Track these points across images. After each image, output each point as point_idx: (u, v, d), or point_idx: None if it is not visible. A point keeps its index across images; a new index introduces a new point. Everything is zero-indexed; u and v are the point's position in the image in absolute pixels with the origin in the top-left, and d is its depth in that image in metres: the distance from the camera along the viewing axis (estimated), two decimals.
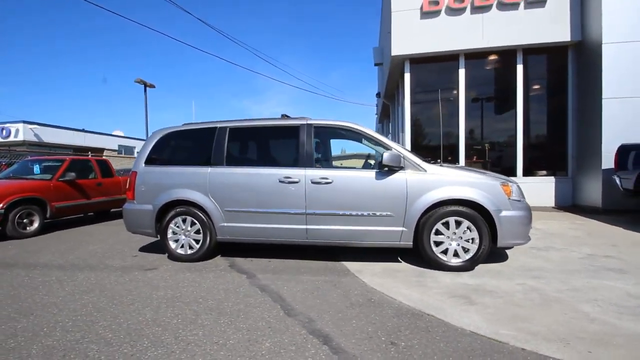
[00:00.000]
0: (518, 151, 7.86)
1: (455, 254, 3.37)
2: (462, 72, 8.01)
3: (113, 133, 30.18)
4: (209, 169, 3.79)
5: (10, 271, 3.69)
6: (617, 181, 5.80)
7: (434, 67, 8.38)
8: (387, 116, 15.82)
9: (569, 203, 7.62)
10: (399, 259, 3.83)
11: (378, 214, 3.42)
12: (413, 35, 7.84)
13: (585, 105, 7.21)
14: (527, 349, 1.95)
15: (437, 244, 3.39)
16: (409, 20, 7.84)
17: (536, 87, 8.01)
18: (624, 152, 5.75)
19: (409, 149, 5.37)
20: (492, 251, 3.46)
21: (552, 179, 7.75)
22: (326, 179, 3.50)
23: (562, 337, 2.08)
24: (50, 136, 22.32)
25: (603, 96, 6.51)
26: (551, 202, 7.68)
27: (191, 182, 3.81)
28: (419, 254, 3.53)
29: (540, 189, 7.66)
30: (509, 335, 2.12)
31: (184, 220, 3.87)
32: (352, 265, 3.62)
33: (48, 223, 6.23)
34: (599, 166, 6.63)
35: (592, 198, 6.91)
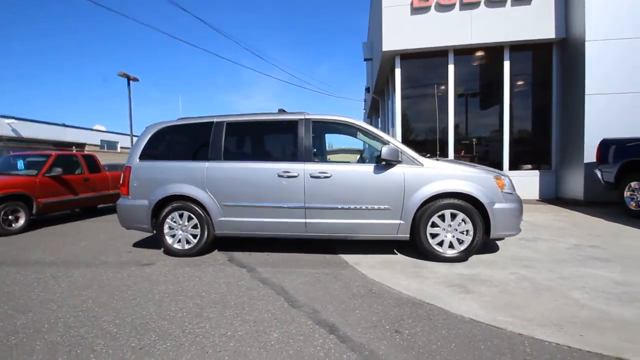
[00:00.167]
0: (504, 146, 8.08)
1: (451, 246, 3.47)
2: (451, 68, 8.13)
3: (94, 128, 29.28)
4: (206, 164, 3.76)
5: (1, 269, 3.59)
6: (599, 175, 6.05)
7: (424, 63, 8.48)
8: (376, 111, 15.92)
9: (552, 196, 7.90)
10: (395, 251, 3.91)
11: (376, 207, 3.48)
12: (404, 31, 7.90)
13: (568, 101, 7.46)
14: (524, 334, 2.06)
15: (433, 236, 3.48)
16: (400, 16, 7.89)
17: (522, 83, 8.21)
18: (605, 146, 5.99)
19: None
20: (484, 242, 3.58)
21: (536, 172, 8.00)
22: (325, 173, 3.54)
23: (555, 322, 2.19)
24: (29, 131, 21.48)
25: (586, 92, 6.74)
26: (535, 195, 7.95)
27: (188, 177, 3.78)
28: (414, 246, 3.63)
29: (525, 183, 7.90)
30: (505, 321, 2.23)
31: (180, 215, 3.84)
32: (350, 258, 3.68)
33: (34, 220, 6.05)
34: (582, 160, 6.89)
35: (574, 191, 7.19)
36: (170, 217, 3.85)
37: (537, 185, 7.97)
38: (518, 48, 7.84)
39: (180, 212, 3.83)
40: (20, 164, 6.35)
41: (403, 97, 8.48)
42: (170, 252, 3.89)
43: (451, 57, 8.08)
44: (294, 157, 3.66)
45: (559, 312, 2.34)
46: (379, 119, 15.04)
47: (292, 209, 3.60)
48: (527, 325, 2.16)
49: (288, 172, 3.59)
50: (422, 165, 3.50)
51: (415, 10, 7.77)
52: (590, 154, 6.61)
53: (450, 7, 7.65)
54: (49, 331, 2.21)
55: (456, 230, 3.45)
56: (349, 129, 3.88)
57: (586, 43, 6.64)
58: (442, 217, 3.45)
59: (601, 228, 4.79)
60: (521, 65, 8.12)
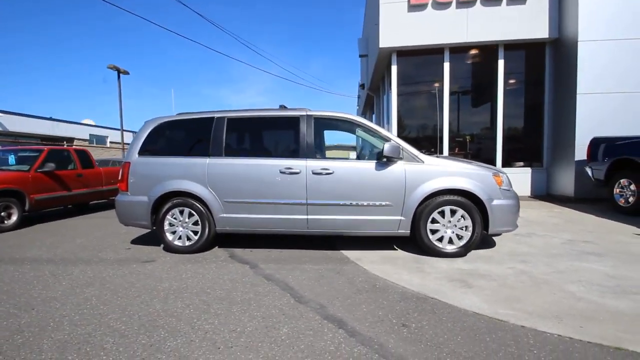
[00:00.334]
0: (498, 143, 8.21)
1: (450, 241, 3.54)
2: (447, 66, 8.21)
3: (83, 122, 28.66)
4: (207, 160, 3.74)
5: None
6: (589, 172, 6.22)
7: (420, 60, 8.54)
8: (370, 107, 15.97)
9: (543, 192, 8.08)
10: (395, 247, 3.97)
11: (378, 203, 3.52)
12: (400, 28, 7.93)
13: (560, 100, 7.62)
14: (527, 326, 2.12)
15: (433, 231, 3.54)
16: (397, 13, 7.91)
17: (516, 81, 8.34)
18: (595, 144, 6.15)
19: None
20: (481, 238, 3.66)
21: (528, 169, 8.17)
22: (327, 169, 3.56)
23: (555, 314, 2.27)
24: (16, 125, 20.92)
25: (577, 91, 6.90)
26: (527, 191, 8.12)
27: (189, 173, 3.76)
28: (414, 241, 3.69)
29: (518, 179, 8.04)
30: (507, 314, 2.29)
31: (181, 212, 3.82)
32: (351, 254, 3.72)
33: (27, 216, 5.94)
34: (572, 158, 7.06)
35: (565, 187, 7.37)
36: (170, 213, 3.82)
37: (529, 182, 8.14)
38: (512, 47, 7.96)
39: (181, 208, 3.81)
40: (11, 159, 6.21)
41: (399, 94, 8.53)
42: (170, 249, 3.87)
43: (447, 55, 8.15)
44: (296, 154, 3.67)
45: (557, 304, 2.42)
46: (373, 116, 15.10)
47: (294, 205, 3.62)
48: (529, 317, 2.23)
49: (290, 168, 3.59)
50: (423, 162, 3.55)
51: (412, 8, 7.80)
52: (581, 152, 6.78)
53: (447, 5, 7.71)
54: (55, 330, 2.19)
55: (455, 226, 3.52)
56: (349, 126, 3.91)
57: (579, 43, 6.78)
58: (442, 214, 3.52)
59: (593, 224, 4.94)
60: (515, 64, 8.24)
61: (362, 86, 15.36)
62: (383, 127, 11.31)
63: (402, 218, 3.53)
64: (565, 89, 7.36)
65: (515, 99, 8.32)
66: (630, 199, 5.37)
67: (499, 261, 3.41)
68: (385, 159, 3.52)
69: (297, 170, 3.58)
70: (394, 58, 8.34)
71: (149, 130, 3.97)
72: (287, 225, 3.67)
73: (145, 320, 2.29)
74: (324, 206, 3.58)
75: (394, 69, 8.37)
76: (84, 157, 6.98)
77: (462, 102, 8.58)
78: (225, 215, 3.73)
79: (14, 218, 5.38)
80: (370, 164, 3.58)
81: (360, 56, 12.75)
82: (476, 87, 8.54)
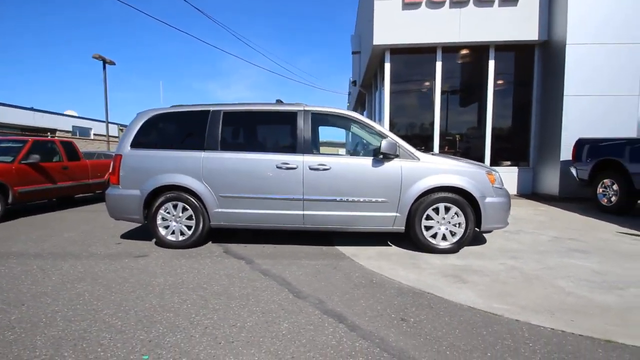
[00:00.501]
0: (486, 142, 8.37)
1: (444, 238, 3.60)
2: (439, 65, 8.29)
3: (65, 113, 27.75)
4: (202, 154, 3.69)
5: None
6: (574, 172, 6.42)
7: (413, 59, 8.60)
8: (361, 104, 16.01)
9: (529, 191, 8.30)
10: (389, 243, 4.02)
11: (374, 200, 3.55)
12: (394, 26, 7.96)
13: (548, 101, 7.81)
14: (521, 320, 2.19)
15: (427, 228, 3.60)
16: (391, 11, 7.93)
17: (505, 82, 8.50)
18: (580, 145, 6.35)
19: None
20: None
21: (515, 168, 8.37)
22: (324, 165, 3.56)
23: (547, 309, 2.34)
24: None
25: (564, 93, 7.09)
26: (514, 190, 8.32)
27: (183, 166, 3.69)
28: (408, 238, 3.74)
29: (505, 178, 8.15)
30: (502, 308, 2.36)
31: (174, 206, 3.76)
32: (346, 250, 3.74)
33: (9, 209, 5.73)
34: (558, 158, 7.27)
35: (550, 187, 7.59)
36: (163, 207, 3.76)
37: (515, 180, 8.34)
38: (503, 48, 8.10)
39: (175, 202, 3.75)
40: None
41: (392, 92, 8.58)
42: (163, 243, 3.81)
43: (439, 54, 8.23)
44: (293, 149, 3.66)
45: (548, 299, 2.50)
46: (365, 112, 15.15)
47: (290, 200, 3.61)
48: (522, 312, 2.30)
49: (287, 163, 3.58)
50: (419, 159, 3.59)
51: (407, 6, 7.83)
52: (566, 153, 6.98)
53: (441, 4, 7.77)
54: (47, 326, 2.13)
55: (449, 223, 3.58)
56: (347, 122, 3.91)
57: (567, 46, 6.95)
58: (437, 210, 3.57)
59: (577, 222, 5.11)
60: (505, 65, 8.39)
61: (353, 83, 15.37)
62: None
63: (398, 214, 3.57)
64: (553, 91, 7.56)
65: (504, 99, 8.48)
66: (613, 199, 5.58)
67: (490, 257, 3.49)
68: (381, 156, 3.55)
69: (294, 166, 3.57)
70: (388, 56, 8.37)
71: (141, 122, 3.88)
72: (283, 221, 3.66)
73: (142, 315, 2.25)
74: (321, 202, 3.59)
75: (387, 66, 8.40)
76: (70, 149, 6.77)
77: (453, 101, 8.70)
78: (220, 210, 3.69)
79: None
80: (367, 161, 3.60)
81: (353, 53, 12.74)
82: (467, 87, 8.66)
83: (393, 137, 3.64)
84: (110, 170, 3.86)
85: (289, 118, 3.72)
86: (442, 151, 8.60)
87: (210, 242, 4.03)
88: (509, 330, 2.06)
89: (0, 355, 1.81)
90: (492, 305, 2.41)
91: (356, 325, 2.13)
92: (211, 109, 3.81)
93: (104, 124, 18.05)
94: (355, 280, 2.88)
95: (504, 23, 7.67)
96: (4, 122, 20.29)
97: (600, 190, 5.85)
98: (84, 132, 27.95)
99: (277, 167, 3.58)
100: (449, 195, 3.53)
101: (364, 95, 14.11)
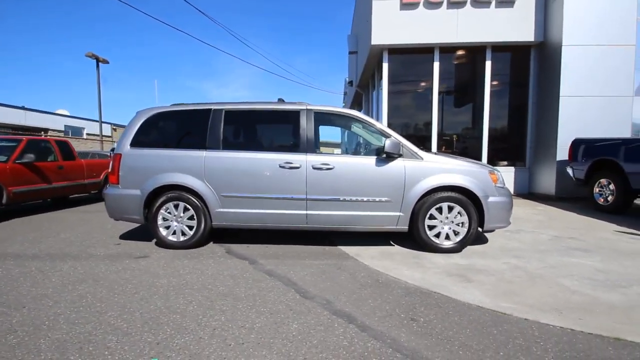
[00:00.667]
0: (483, 142, 8.43)
1: (447, 237, 3.61)
2: (436, 65, 8.33)
3: (57, 112, 27.33)
4: (204, 153, 3.64)
5: None
6: (570, 172, 6.49)
7: (411, 59, 8.63)
8: (358, 104, 16.03)
9: (525, 191, 8.38)
10: (391, 242, 4.01)
11: (377, 199, 3.54)
12: (392, 26, 7.97)
13: (544, 102, 7.89)
14: (530, 319, 2.19)
15: (431, 227, 3.60)
16: (389, 11, 7.94)
17: (502, 82, 8.58)
18: (577, 145, 6.42)
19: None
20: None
21: (512, 169, 8.44)
22: (327, 164, 3.54)
23: (554, 307, 2.35)
24: None
25: (560, 94, 7.17)
26: (511, 190, 8.36)
27: (185, 166, 3.65)
28: (411, 237, 3.74)
29: None
30: (509, 307, 2.36)
31: (176, 206, 3.70)
32: (349, 249, 3.73)
33: (3, 210, 5.62)
34: (554, 158, 7.35)
35: (546, 186, 7.67)
36: (164, 207, 3.71)
37: (512, 180, 8.40)
38: (499, 49, 8.16)
39: (176, 202, 3.70)
40: None
41: (390, 92, 8.59)
42: (164, 244, 3.75)
43: (437, 54, 8.27)
44: (296, 148, 3.63)
45: (554, 298, 2.51)
46: (362, 112, 15.15)
47: (293, 200, 3.58)
48: (530, 310, 2.31)
49: (290, 163, 3.55)
50: (422, 159, 3.59)
51: (405, 6, 7.85)
52: (562, 153, 7.06)
53: (438, 5, 7.80)
54: (51, 328, 2.08)
55: (452, 222, 3.59)
56: (349, 122, 3.90)
57: (563, 47, 7.03)
58: (440, 210, 3.57)
59: (575, 221, 5.16)
60: (501, 66, 8.46)
61: (350, 83, 15.38)
62: None
63: (401, 214, 3.56)
64: (549, 91, 7.64)
65: (500, 99, 8.55)
66: (610, 198, 5.65)
67: (493, 256, 3.51)
68: (385, 155, 3.54)
69: (297, 165, 3.55)
70: (386, 56, 8.38)
71: (141, 121, 3.82)
72: (286, 221, 3.64)
73: (148, 317, 2.21)
74: (324, 202, 3.57)
75: (385, 66, 8.41)
76: (65, 149, 6.65)
77: (450, 101, 8.75)
78: (222, 209, 3.65)
79: None
80: (371, 160, 3.59)
81: (350, 53, 12.74)
82: (464, 87, 8.71)
83: (397, 136, 3.64)
84: (110, 170, 3.79)
85: (292, 117, 3.70)
86: (440, 151, 8.64)
87: (211, 243, 3.99)
88: (519, 329, 2.07)
89: (4, 359, 1.76)
90: (500, 304, 2.41)
91: (366, 325, 2.11)
92: (213, 107, 3.77)
93: (97, 124, 17.81)
94: (361, 280, 2.86)
95: (501, 24, 7.73)
96: None
97: (596, 189, 5.93)
98: (77, 132, 27.55)
99: (280, 167, 3.56)
100: (452, 194, 3.54)
101: (360, 95, 14.12)
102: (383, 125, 3.79)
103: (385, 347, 1.87)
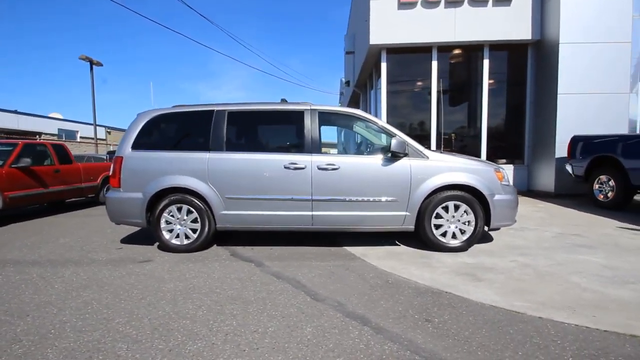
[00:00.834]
0: (482, 141, 8.46)
1: (454, 236, 3.60)
2: (434, 64, 8.34)
3: (50, 115, 26.98)
4: (207, 155, 3.59)
5: None
6: (570, 169, 6.52)
7: (409, 58, 8.63)
8: (356, 104, 16.02)
9: (525, 188, 8.41)
10: (397, 242, 3.99)
11: (383, 199, 3.51)
12: (390, 25, 7.96)
13: (541, 100, 7.94)
14: (544, 317, 2.18)
15: (437, 226, 3.58)
16: (387, 10, 7.94)
17: (499, 81, 8.61)
18: (576, 142, 6.45)
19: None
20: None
21: (510, 166, 8.47)
22: (333, 165, 3.51)
23: (567, 305, 2.34)
24: None
25: (558, 92, 7.21)
26: None
27: (188, 168, 3.59)
28: (417, 236, 3.72)
29: None
30: (522, 306, 2.35)
31: (179, 209, 3.65)
32: (355, 250, 3.70)
33: (0, 216, 5.52)
34: (553, 155, 7.39)
35: (545, 184, 7.71)
36: (167, 210, 3.65)
37: (511, 178, 8.41)
38: (497, 47, 8.19)
39: (179, 205, 3.64)
40: None
41: (388, 92, 8.59)
42: (167, 248, 3.69)
43: (435, 53, 8.28)
44: (301, 149, 3.60)
45: (565, 295, 2.50)
46: None
47: (298, 201, 3.55)
48: (543, 308, 2.30)
49: (295, 163, 3.52)
50: (428, 158, 3.58)
51: (402, 5, 7.85)
52: (561, 150, 7.10)
53: (436, 4, 7.81)
54: (57, 337, 2.02)
55: (459, 221, 3.57)
56: (354, 121, 3.88)
57: (560, 45, 7.07)
58: (446, 209, 3.56)
59: (577, 218, 5.19)
60: (499, 64, 8.50)
61: (346, 83, 15.37)
62: None
63: (407, 213, 3.54)
64: (546, 89, 7.68)
65: (498, 98, 8.59)
66: (609, 194, 5.68)
67: (500, 255, 3.50)
68: (390, 155, 3.52)
69: (302, 166, 3.51)
70: (384, 55, 8.37)
71: (142, 123, 3.76)
72: (291, 222, 3.60)
73: (157, 323, 2.16)
74: (330, 202, 3.53)
75: (384, 66, 8.40)
76: (62, 152, 6.54)
77: (448, 100, 8.76)
78: (226, 212, 3.60)
79: None
80: (376, 160, 3.56)
81: (347, 53, 12.73)
82: (462, 86, 8.73)
83: (402, 135, 3.62)
84: (111, 173, 3.73)
85: (296, 117, 3.66)
86: (440, 150, 8.65)
87: (215, 245, 3.94)
88: (534, 327, 2.05)
89: None
90: (513, 302, 2.40)
91: (381, 327, 2.08)
92: (215, 108, 3.72)
93: (91, 127, 17.61)
94: (370, 281, 2.83)
95: (498, 22, 7.76)
96: None
97: (596, 186, 5.96)
98: (70, 135, 27.21)
99: (285, 168, 3.52)
100: (459, 193, 3.53)
101: (358, 95, 14.12)
102: (388, 124, 3.76)
103: (403, 349, 1.84)
